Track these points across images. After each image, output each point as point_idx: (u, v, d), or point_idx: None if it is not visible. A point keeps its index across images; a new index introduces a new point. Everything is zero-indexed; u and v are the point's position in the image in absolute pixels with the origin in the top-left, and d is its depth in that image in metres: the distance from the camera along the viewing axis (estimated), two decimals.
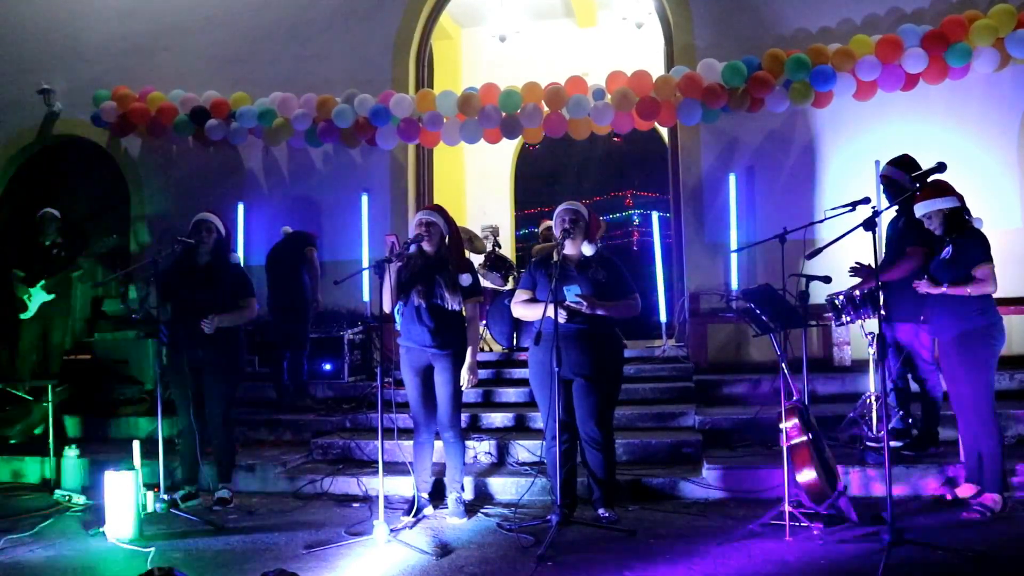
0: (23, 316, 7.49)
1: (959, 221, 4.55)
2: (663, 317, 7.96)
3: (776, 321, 4.58)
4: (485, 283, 7.77)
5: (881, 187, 5.47)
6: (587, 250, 4.69)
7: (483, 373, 6.70)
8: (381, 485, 4.51)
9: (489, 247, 8.46)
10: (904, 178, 5.20)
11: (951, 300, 4.49)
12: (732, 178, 7.66)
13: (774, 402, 5.01)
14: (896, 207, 5.19)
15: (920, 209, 4.61)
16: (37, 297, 7.45)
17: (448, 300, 4.78)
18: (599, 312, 4.55)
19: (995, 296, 4.55)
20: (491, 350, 8.06)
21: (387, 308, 4.81)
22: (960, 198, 4.58)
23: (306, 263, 7.28)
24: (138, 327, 8.04)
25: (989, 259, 4.46)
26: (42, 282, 7.42)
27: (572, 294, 4.48)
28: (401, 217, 8.24)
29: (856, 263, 5.23)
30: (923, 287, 4.57)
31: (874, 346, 5.24)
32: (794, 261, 5.11)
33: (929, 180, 4.73)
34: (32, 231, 7.81)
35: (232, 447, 5.60)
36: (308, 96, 8.06)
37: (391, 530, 4.44)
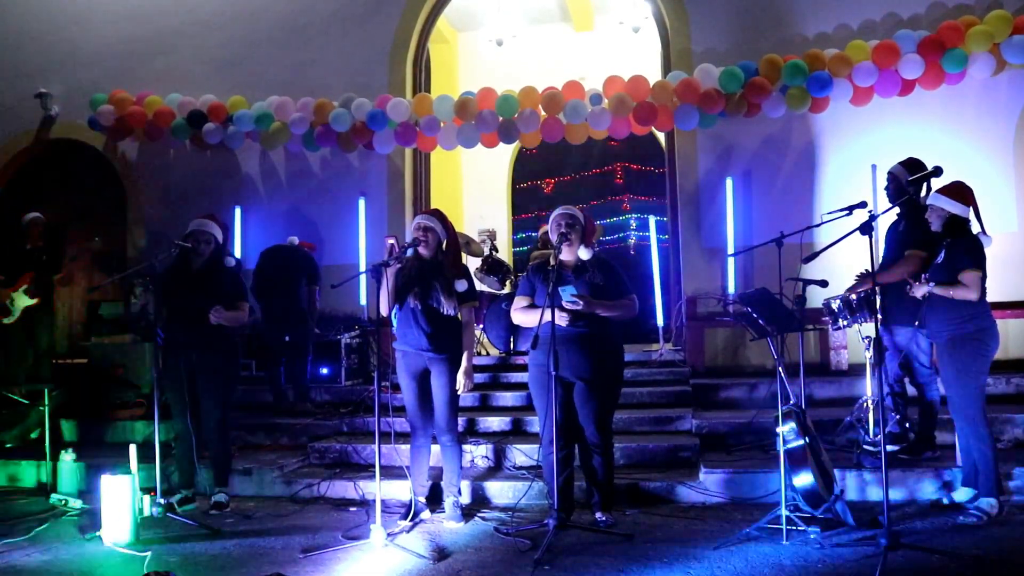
0: (6, 321, 7.44)
1: (959, 228, 4.56)
2: (660, 321, 7.96)
3: (773, 325, 4.58)
4: (482, 287, 7.77)
5: (886, 184, 5.45)
6: (584, 254, 4.69)
7: (480, 377, 6.70)
8: (378, 489, 4.51)
9: (486, 251, 8.46)
10: (905, 179, 5.21)
11: (945, 304, 4.49)
12: (729, 182, 7.67)
13: (771, 406, 5.00)
14: (897, 210, 5.20)
15: (930, 199, 4.61)
16: (20, 302, 7.40)
17: (444, 304, 4.78)
18: (596, 311, 4.54)
19: (991, 300, 4.55)
20: (488, 354, 8.06)
21: (384, 312, 4.81)
22: (974, 209, 4.57)
23: (308, 300, 7.20)
24: (134, 331, 8.01)
25: (977, 266, 4.44)
26: (24, 287, 7.38)
27: (568, 294, 4.48)
28: (398, 221, 8.26)
29: (865, 270, 5.22)
30: (915, 290, 4.58)
31: (871, 350, 5.25)
32: (791, 265, 5.12)
33: (956, 182, 4.71)
34: (16, 235, 7.78)
35: (228, 451, 5.59)
36: (305, 100, 8.07)
37: (388, 534, 4.43)
